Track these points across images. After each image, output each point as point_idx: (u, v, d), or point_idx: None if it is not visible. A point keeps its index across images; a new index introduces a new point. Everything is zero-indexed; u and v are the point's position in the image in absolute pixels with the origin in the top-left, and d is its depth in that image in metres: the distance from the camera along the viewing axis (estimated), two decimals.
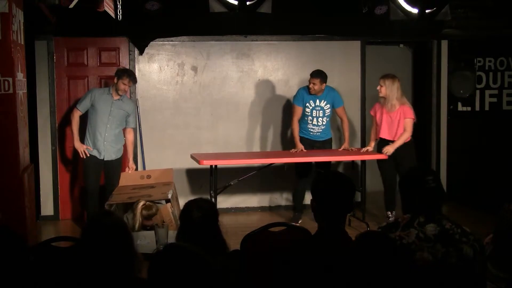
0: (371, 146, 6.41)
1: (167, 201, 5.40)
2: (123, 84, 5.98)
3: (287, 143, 7.20)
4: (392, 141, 6.15)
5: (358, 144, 7.47)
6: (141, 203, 5.11)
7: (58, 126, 6.88)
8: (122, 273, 2.35)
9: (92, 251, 2.38)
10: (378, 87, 6.14)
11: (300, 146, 6.39)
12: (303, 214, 6.68)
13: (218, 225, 2.93)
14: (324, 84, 6.35)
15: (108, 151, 6.07)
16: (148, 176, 6.21)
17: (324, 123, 6.50)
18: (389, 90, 6.07)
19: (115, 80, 6.01)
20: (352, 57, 7.46)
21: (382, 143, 6.27)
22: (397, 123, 6.13)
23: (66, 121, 6.80)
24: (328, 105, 6.45)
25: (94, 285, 2.35)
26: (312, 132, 6.50)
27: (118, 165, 6.21)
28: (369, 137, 6.67)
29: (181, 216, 2.92)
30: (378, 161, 6.31)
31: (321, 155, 6.46)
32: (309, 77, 6.42)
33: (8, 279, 2.28)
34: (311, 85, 6.32)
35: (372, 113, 6.39)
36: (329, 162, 6.55)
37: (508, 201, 3.30)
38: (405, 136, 6.12)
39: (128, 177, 6.17)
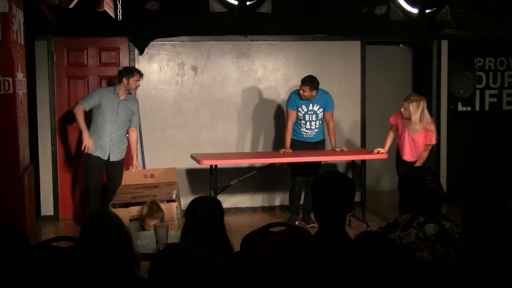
0: (384, 149, 6.22)
1: (172, 201, 5.41)
2: (136, 82, 6.02)
3: None
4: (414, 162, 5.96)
5: (358, 144, 7.47)
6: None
7: (58, 126, 6.88)
8: (121, 273, 2.36)
9: (91, 252, 2.38)
10: (402, 109, 5.84)
11: (288, 149, 6.35)
12: (298, 215, 6.68)
13: (223, 224, 2.93)
14: (315, 91, 6.26)
15: (113, 152, 6.07)
16: (152, 175, 6.21)
17: (317, 126, 6.46)
18: (414, 115, 5.76)
19: (125, 82, 5.97)
20: (352, 57, 7.45)
21: (403, 163, 6.01)
22: (420, 145, 5.92)
23: (66, 121, 6.81)
24: (321, 109, 6.39)
25: (94, 286, 2.35)
26: (305, 134, 6.47)
27: (121, 165, 6.20)
28: (382, 140, 6.37)
29: (187, 214, 2.91)
30: (397, 164, 6.16)
31: (319, 155, 6.45)
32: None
33: (11, 277, 2.29)
34: (301, 91, 6.25)
35: (392, 122, 6.13)
36: (319, 163, 6.53)
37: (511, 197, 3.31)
38: (424, 159, 5.94)
39: (131, 176, 6.18)
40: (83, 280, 2.37)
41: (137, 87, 6.12)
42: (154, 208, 5.04)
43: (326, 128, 6.56)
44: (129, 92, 6.08)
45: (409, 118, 5.83)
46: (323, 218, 2.68)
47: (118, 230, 2.44)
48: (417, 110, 5.76)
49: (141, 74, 6.13)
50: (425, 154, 5.96)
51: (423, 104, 5.80)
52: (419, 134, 5.88)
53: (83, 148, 5.97)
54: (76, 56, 6.93)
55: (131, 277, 2.38)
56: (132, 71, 6.06)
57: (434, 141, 5.98)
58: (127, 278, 2.36)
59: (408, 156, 5.98)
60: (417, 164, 5.91)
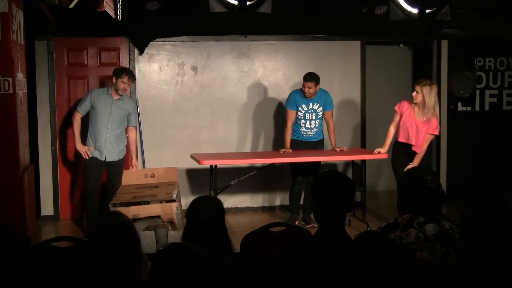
0: (384, 149, 6.14)
1: (172, 201, 5.42)
2: (123, 83, 5.94)
3: None
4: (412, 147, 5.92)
5: (358, 144, 7.47)
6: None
7: (58, 126, 6.88)
8: (128, 274, 2.35)
9: (99, 251, 2.37)
10: (414, 93, 5.82)
11: (288, 149, 6.35)
12: (298, 215, 6.68)
13: (225, 224, 2.92)
14: (318, 86, 6.29)
15: (110, 152, 6.06)
16: (152, 175, 6.22)
17: (316, 125, 6.46)
18: (428, 98, 5.75)
19: (114, 80, 5.96)
20: (352, 57, 7.45)
21: (402, 147, 5.97)
22: (422, 133, 5.86)
23: (66, 121, 6.81)
24: (321, 108, 6.40)
25: (100, 285, 2.34)
26: (305, 134, 6.47)
27: (120, 166, 6.19)
28: (382, 140, 6.26)
29: (188, 215, 2.91)
30: (393, 161, 6.10)
31: (319, 155, 6.45)
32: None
33: (11, 277, 2.29)
34: (306, 89, 6.24)
35: (397, 109, 6.01)
36: (319, 163, 6.53)
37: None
38: (424, 150, 5.91)
39: (131, 176, 6.18)
40: (88, 279, 2.37)
41: (124, 89, 5.99)
42: None
43: (326, 128, 6.57)
44: (118, 92, 6.00)
45: (419, 103, 5.80)
46: (323, 218, 2.68)
47: (128, 230, 2.43)
48: (430, 94, 5.76)
49: (131, 77, 6.01)
50: (425, 146, 5.93)
51: (435, 88, 5.83)
52: (424, 122, 5.85)
53: (83, 156, 6.02)
54: (76, 56, 6.93)
55: (136, 278, 2.37)
56: (122, 72, 5.97)
57: (437, 132, 5.97)
58: (132, 278, 2.35)
59: (411, 139, 5.89)
60: (416, 156, 5.88)
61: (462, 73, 7.72)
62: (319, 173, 6.20)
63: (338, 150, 6.47)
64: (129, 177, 6.17)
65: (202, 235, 2.77)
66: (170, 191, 5.72)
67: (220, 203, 2.98)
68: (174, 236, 3.82)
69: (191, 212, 2.90)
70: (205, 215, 2.84)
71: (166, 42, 7.10)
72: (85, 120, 6.15)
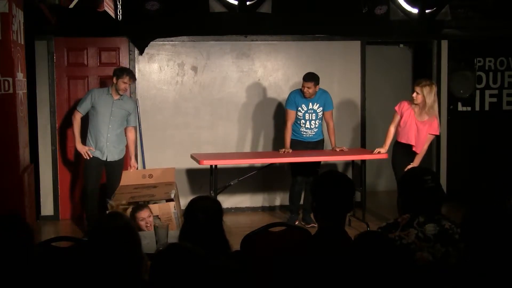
0: (384, 149, 6.13)
1: (170, 201, 5.41)
2: (124, 83, 5.95)
3: None
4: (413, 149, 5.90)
5: (358, 144, 7.47)
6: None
7: (58, 126, 6.88)
8: (128, 274, 2.34)
9: (99, 251, 2.37)
10: (414, 94, 5.80)
11: (288, 149, 6.35)
12: (298, 215, 6.68)
13: (222, 225, 2.92)
14: (318, 87, 6.29)
15: (111, 152, 6.06)
16: (150, 175, 6.21)
17: (316, 125, 6.46)
18: (428, 98, 5.75)
19: (114, 80, 5.97)
20: (352, 57, 7.45)
21: (402, 147, 5.96)
22: (423, 133, 5.86)
23: (66, 121, 6.81)
24: (321, 108, 6.39)
25: (99, 286, 2.34)
26: (305, 134, 6.47)
27: (120, 165, 6.18)
28: (382, 140, 6.25)
29: (186, 215, 2.91)
30: (393, 161, 6.09)
31: (319, 155, 6.45)
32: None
33: (13, 268, 2.29)
34: (305, 89, 6.25)
35: (397, 109, 6.00)
36: (319, 163, 6.53)
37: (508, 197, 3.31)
38: (425, 151, 5.91)
39: (129, 176, 6.17)
40: (89, 280, 2.36)
41: (125, 88, 6.02)
42: (140, 204, 5.04)
43: (326, 128, 6.57)
44: (118, 92, 6.01)
45: (420, 104, 5.79)
46: (323, 218, 2.68)
47: (128, 231, 2.43)
48: (430, 94, 5.76)
49: (131, 77, 6.04)
50: (425, 146, 5.92)
51: (435, 88, 5.83)
52: (425, 122, 5.85)
53: (84, 156, 6.00)
54: (76, 56, 6.93)
55: (137, 278, 2.37)
56: (123, 72, 5.98)
57: (438, 132, 5.96)
58: (133, 279, 2.35)
59: (408, 138, 5.89)
60: (417, 156, 5.87)
61: (462, 73, 7.72)
62: (319, 173, 6.20)
63: (338, 150, 6.46)
64: (127, 178, 6.16)
65: (199, 235, 2.77)
66: (168, 190, 5.72)
67: (219, 205, 2.97)
68: (173, 235, 3.81)
69: (189, 211, 2.90)
70: (203, 216, 2.83)
71: (166, 42, 7.10)
72: (84, 120, 6.15)
